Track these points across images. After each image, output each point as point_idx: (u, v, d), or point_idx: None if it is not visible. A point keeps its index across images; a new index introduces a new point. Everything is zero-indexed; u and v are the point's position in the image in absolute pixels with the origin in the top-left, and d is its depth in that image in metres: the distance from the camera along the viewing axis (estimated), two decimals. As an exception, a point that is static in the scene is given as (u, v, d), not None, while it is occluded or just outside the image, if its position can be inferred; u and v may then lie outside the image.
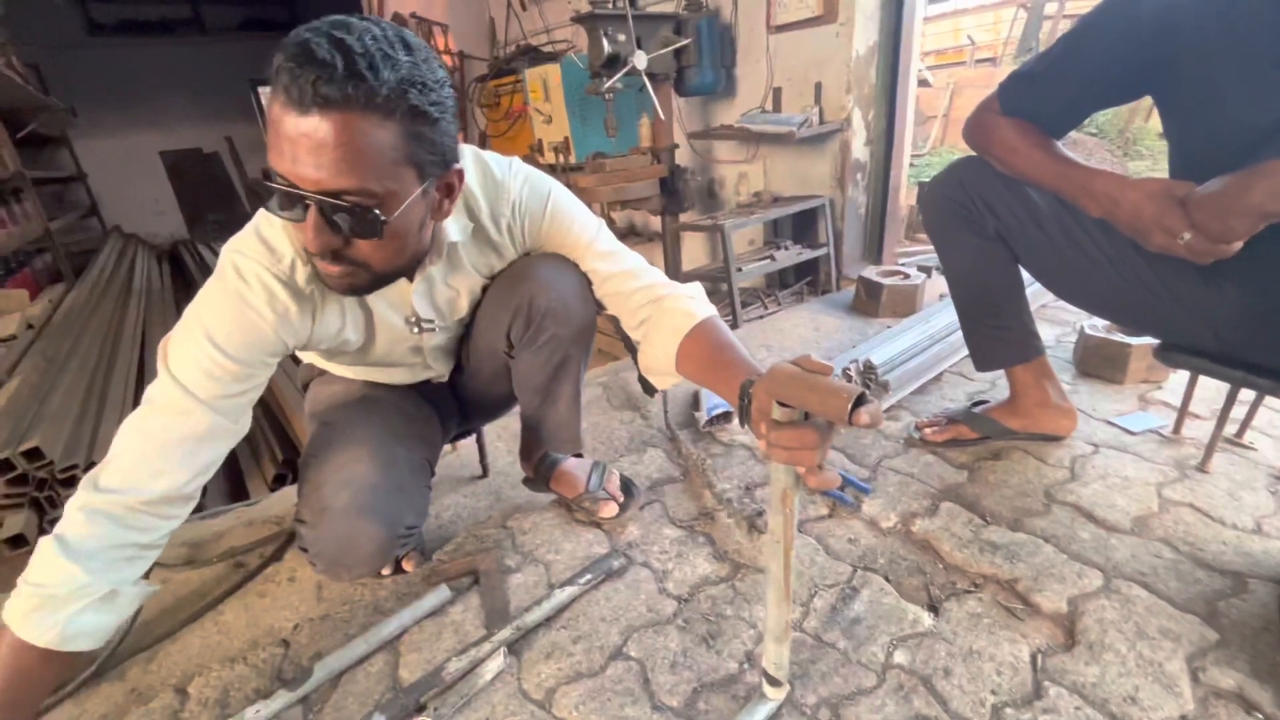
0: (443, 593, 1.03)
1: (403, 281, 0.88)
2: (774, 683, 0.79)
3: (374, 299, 0.90)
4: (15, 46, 4.89)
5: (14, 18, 4.94)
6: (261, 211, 0.80)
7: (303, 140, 0.62)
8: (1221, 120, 0.83)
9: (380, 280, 0.79)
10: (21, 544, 1.76)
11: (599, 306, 1.02)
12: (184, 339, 0.78)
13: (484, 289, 1.02)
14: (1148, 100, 0.93)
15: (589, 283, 0.99)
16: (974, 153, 1.10)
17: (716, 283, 2.73)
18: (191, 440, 0.77)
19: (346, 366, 1.06)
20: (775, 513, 0.67)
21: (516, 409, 1.22)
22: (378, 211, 0.68)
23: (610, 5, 2.17)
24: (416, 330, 0.97)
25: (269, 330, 0.79)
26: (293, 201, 0.67)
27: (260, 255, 0.78)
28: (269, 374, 0.84)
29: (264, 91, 8.44)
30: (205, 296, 0.79)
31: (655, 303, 0.91)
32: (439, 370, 1.10)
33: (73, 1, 6.69)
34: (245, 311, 0.77)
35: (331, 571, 0.99)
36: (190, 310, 0.79)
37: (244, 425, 0.84)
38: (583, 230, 0.98)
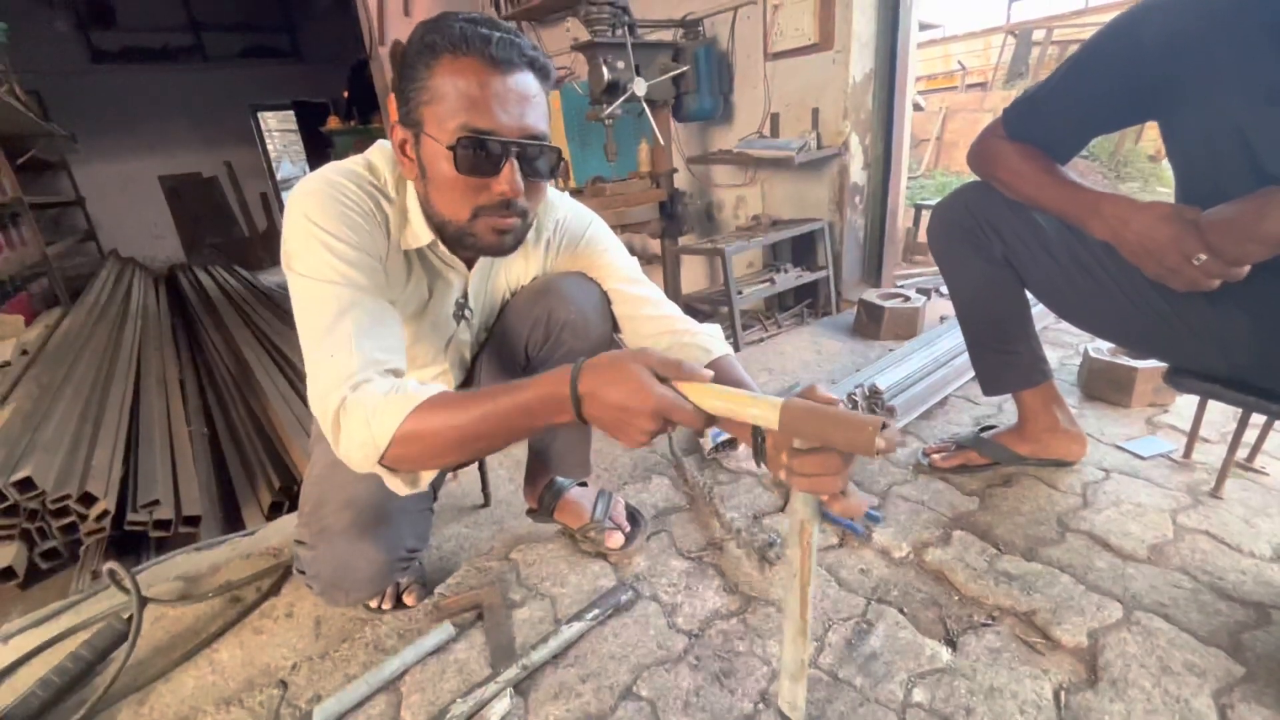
0: (446, 630, 1.00)
1: (463, 266, 0.93)
2: None
3: (444, 271, 0.93)
4: (18, 74, 4.93)
5: (17, 46, 4.98)
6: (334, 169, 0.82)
7: (512, 94, 0.73)
8: (1226, 143, 0.83)
9: (521, 239, 0.84)
10: (10, 577, 1.72)
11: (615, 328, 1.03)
12: (299, 243, 0.76)
13: (503, 302, 1.06)
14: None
15: (609, 301, 1.01)
16: (979, 178, 1.10)
17: (716, 306, 2.73)
18: (358, 320, 0.73)
19: None
20: (793, 545, 0.65)
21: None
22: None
23: (610, 34, 2.20)
24: (459, 317, 1.00)
25: (362, 220, 0.79)
26: (496, 153, 0.74)
27: (348, 175, 0.81)
28: (380, 280, 0.80)
29: (264, 117, 8.53)
30: (302, 211, 0.76)
31: (673, 334, 0.92)
32: (453, 379, 1.09)
33: (76, 30, 6.77)
34: (342, 204, 0.78)
35: (328, 594, 0.98)
36: (293, 224, 0.77)
37: (393, 310, 0.81)
38: (614, 258, 1.02)
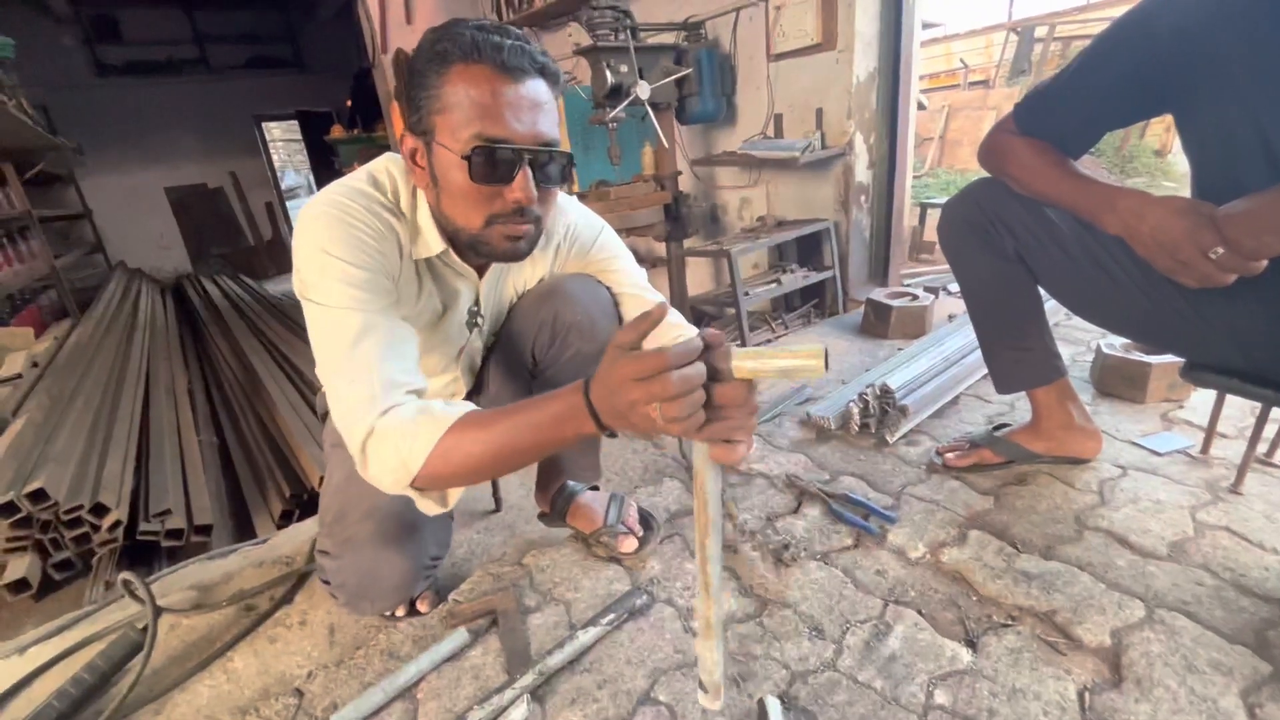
0: (461, 636, 0.99)
1: (474, 274, 0.93)
2: (702, 689, 0.72)
3: (454, 280, 0.93)
4: (25, 89, 4.97)
5: (24, 61, 5.02)
6: (346, 187, 0.81)
7: (524, 101, 0.73)
8: (1243, 136, 0.82)
9: (535, 244, 0.85)
10: (24, 588, 1.72)
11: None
12: (312, 272, 0.76)
13: (510, 305, 1.06)
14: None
15: (615, 302, 1.02)
16: (989, 174, 1.09)
17: (723, 307, 2.73)
18: (376, 344, 0.74)
19: None
20: (696, 496, 0.62)
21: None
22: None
23: (612, 38, 2.20)
24: (472, 325, 1.00)
25: (374, 241, 0.78)
26: (510, 161, 0.74)
27: (356, 196, 0.80)
28: (393, 299, 0.81)
29: (269, 127, 8.59)
30: (312, 238, 0.76)
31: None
32: (464, 385, 1.10)
33: (82, 44, 6.83)
34: (350, 226, 0.77)
35: (354, 604, 0.99)
36: (305, 251, 0.77)
37: (409, 328, 0.81)
38: (623, 265, 1.03)
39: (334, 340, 0.73)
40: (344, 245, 0.76)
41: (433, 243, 0.85)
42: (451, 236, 0.85)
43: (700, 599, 0.67)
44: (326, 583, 0.97)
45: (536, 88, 0.75)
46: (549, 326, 1.00)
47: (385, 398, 0.71)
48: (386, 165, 0.86)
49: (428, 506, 0.75)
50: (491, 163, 0.74)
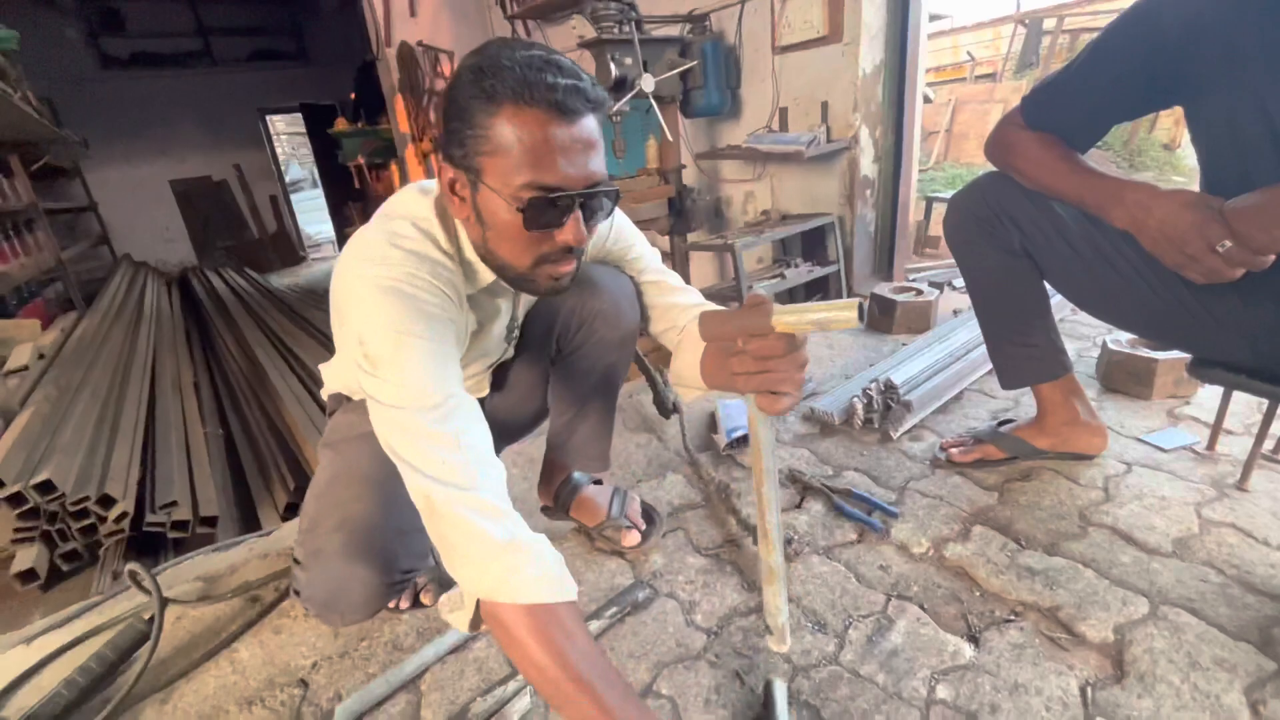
0: (464, 628, 1.00)
1: (511, 291, 0.93)
2: (769, 631, 0.79)
3: (496, 300, 0.93)
4: (30, 82, 4.98)
5: (28, 54, 5.03)
6: (383, 229, 0.78)
7: (577, 145, 0.70)
8: (1252, 127, 0.81)
9: (574, 279, 0.83)
10: (32, 579, 1.74)
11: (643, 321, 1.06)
12: (388, 352, 0.71)
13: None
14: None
15: (637, 292, 1.03)
16: (996, 168, 1.09)
17: (726, 301, 2.72)
18: (463, 431, 0.71)
19: None
20: (750, 445, 0.70)
21: (537, 434, 1.21)
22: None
23: (616, 30, 2.19)
24: (510, 338, 1.01)
25: (441, 311, 0.76)
26: (563, 207, 0.72)
27: (413, 262, 0.76)
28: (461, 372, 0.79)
29: (272, 120, 8.58)
30: (381, 318, 0.72)
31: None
32: (487, 384, 1.10)
33: (86, 36, 6.84)
34: (419, 303, 0.74)
35: (323, 616, 0.95)
36: (375, 331, 0.72)
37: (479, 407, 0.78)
38: (640, 252, 1.04)
39: (412, 424, 0.70)
40: (417, 321, 0.73)
41: (485, 276, 0.84)
42: (498, 270, 0.82)
43: (761, 544, 0.70)
44: (298, 593, 0.93)
45: (589, 126, 0.72)
46: (576, 313, 1.02)
47: (493, 484, 0.70)
48: (419, 205, 0.82)
49: (455, 619, 0.71)
50: (545, 211, 0.72)
